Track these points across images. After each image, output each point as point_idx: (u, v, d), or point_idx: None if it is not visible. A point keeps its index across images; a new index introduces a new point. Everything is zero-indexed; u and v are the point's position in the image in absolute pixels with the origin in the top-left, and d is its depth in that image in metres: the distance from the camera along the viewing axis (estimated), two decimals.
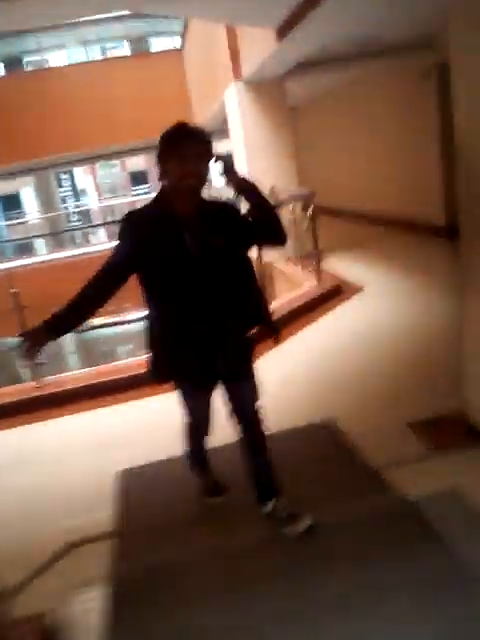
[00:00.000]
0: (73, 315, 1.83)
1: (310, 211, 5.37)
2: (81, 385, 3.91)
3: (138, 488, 2.65)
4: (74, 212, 18.73)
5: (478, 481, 2.12)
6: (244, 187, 1.89)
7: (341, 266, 6.32)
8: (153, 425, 3.28)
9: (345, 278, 5.78)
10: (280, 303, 5.06)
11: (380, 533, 1.98)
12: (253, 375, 2.07)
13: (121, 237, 1.84)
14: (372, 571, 1.81)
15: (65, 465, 2.99)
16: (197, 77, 9.90)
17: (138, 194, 19.52)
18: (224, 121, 7.70)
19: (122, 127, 10.73)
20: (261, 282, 2.37)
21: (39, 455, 3.19)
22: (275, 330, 2.17)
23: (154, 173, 16.55)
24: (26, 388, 4.01)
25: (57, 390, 3.85)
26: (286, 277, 6.46)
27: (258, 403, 2.10)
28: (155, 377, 2.03)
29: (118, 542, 2.25)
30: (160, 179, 1.85)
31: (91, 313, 1.87)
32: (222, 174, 1.88)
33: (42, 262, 6.50)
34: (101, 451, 3.09)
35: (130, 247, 1.83)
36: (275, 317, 4.56)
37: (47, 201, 16.40)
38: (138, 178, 22.57)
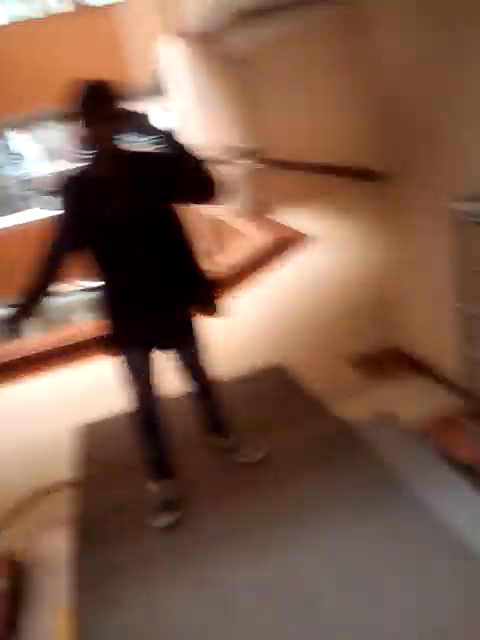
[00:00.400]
0: (36, 296, 1.87)
1: (258, 164, 5.40)
2: (43, 349, 3.93)
3: (98, 439, 2.77)
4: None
5: (410, 405, 2.33)
6: (162, 141, 1.85)
7: (293, 218, 6.42)
8: (111, 383, 3.37)
9: (296, 229, 5.90)
10: (228, 257, 5.13)
11: (323, 452, 2.18)
12: (197, 335, 2.09)
13: (61, 206, 1.84)
14: (316, 484, 2.00)
15: (32, 423, 3.08)
16: (136, 33, 9.53)
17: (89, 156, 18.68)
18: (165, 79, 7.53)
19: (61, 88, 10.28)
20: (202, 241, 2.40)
21: (8, 415, 3.25)
22: (211, 304, 2.07)
23: None
24: None
25: (22, 355, 3.87)
26: (235, 231, 6.53)
27: (204, 357, 2.14)
28: (111, 344, 2.00)
29: (80, 488, 2.37)
30: (82, 144, 1.82)
31: (51, 287, 1.89)
32: (136, 133, 1.86)
33: None
34: (65, 408, 3.18)
35: (70, 214, 1.84)
36: (222, 273, 4.71)
37: None
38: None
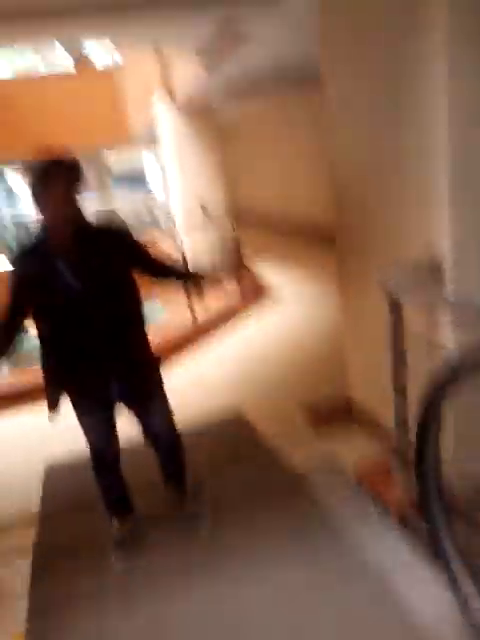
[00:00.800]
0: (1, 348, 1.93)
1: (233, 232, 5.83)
2: (9, 389, 4.10)
3: (60, 477, 2.93)
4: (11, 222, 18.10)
5: (351, 451, 2.56)
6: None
7: (262, 273, 6.84)
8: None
9: (264, 286, 6.34)
10: (203, 313, 5.43)
11: (266, 497, 2.39)
12: (160, 390, 2.12)
13: (10, 277, 1.88)
14: (255, 525, 2.20)
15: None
16: (135, 94, 10.22)
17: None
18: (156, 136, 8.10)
19: (59, 135, 10.86)
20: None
21: None
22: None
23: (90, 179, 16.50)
24: None
25: None
26: (213, 282, 6.88)
27: (169, 419, 2.16)
28: (52, 405, 2.02)
29: (41, 522, 2.52)
30: (37, 216, 1.86)
31: (12, 341, 1.94)
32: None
33: None
34: (31, 446, 3.34)
35: (17, 286, 1.88)
36: (199, 322, 4.99)
37: None
38: None
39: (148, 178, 19.13)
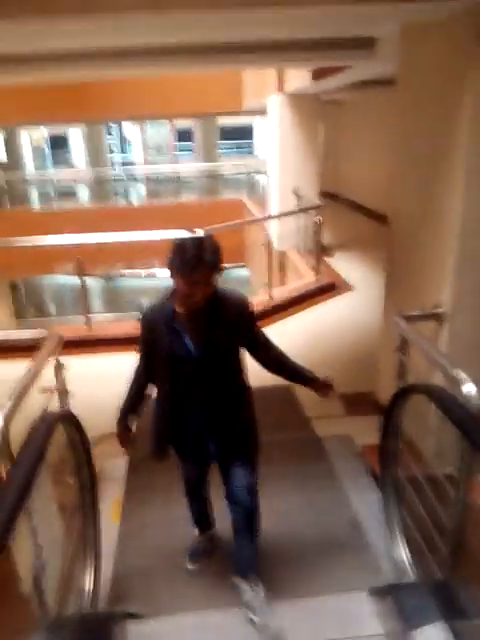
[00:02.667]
0: (134, 406, 2.19)
1: (319, 218, 6.47)
2: (120, 333, 5.24)
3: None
4: (120, 168, 19.59)
5: (363, 434, 3.35)
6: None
7: (342, 264, 7.43)
8: None
9: (341, 275, 6.92)
10: (280, 292, 6.25)
11: (294, 451, 3.30)
12: (249, 459, 2.14)
13: (139, 343, 2.06)
14: (282, 472, 3.10)
15: (106, 386, 4.32)
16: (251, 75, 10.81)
17: (183, 151, 20.13)
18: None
19: (176, 100, 11.84)
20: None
21: (90, 377, 4.49)
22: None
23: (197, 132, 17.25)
24: (81, 328, 5.36)
25: (101, 335, 5.18)
26: (294, 267, 7.63)
27: (252, 485, 2.13)
28: (156, 454, 2.18)
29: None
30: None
31: (141, 401, 2.19)
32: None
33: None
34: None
35: (143, 344, 2.04)
36: (274, 303, 5.80)
37: (94, 147, 17.40)
38: (183, 135, 23.25)
39: (254, 143, 19.65)
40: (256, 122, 18.86)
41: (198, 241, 1.79)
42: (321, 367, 4.54)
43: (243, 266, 12.20)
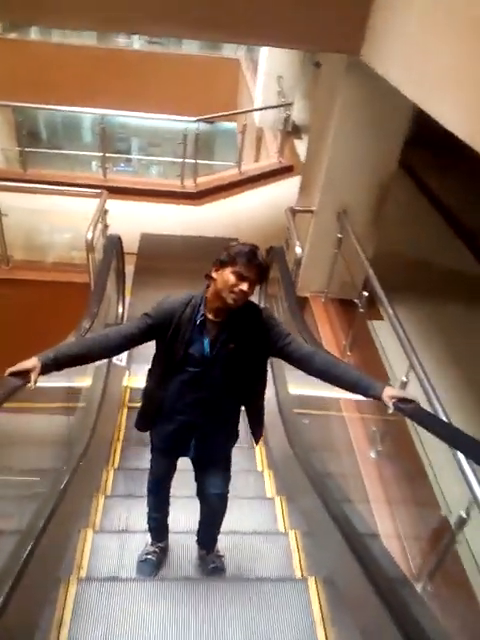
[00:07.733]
0: (76, 360, 1.88)
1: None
2: (132, 185, 7.28)
3: (149, 239, 6.32)
4: None
5: None
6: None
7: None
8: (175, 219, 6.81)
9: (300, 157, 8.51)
10: (246, 168, 8.01)
11: None
12: (227, 468, 2.22)
13: (148, 314, 1.91)
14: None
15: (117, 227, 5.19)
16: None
17: None
18: None
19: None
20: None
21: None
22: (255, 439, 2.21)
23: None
24: (97, 178, 7.32)
25: (115, 185, 7.11)
26: (266, 146, 9.22)
27: (226, 493, 2.26)
28: (138, 427, 2.20)
29: (138, 255, 6.01)
30: (207, 279, 1.87)
31: (91, 361, 2.03)
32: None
33: None
34: (136, 222, 6.62)
35: (148, 327, 1.90)
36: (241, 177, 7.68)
37: None
38: None
39: None
40: None
41: (259, 250, 1.85)
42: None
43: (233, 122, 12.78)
